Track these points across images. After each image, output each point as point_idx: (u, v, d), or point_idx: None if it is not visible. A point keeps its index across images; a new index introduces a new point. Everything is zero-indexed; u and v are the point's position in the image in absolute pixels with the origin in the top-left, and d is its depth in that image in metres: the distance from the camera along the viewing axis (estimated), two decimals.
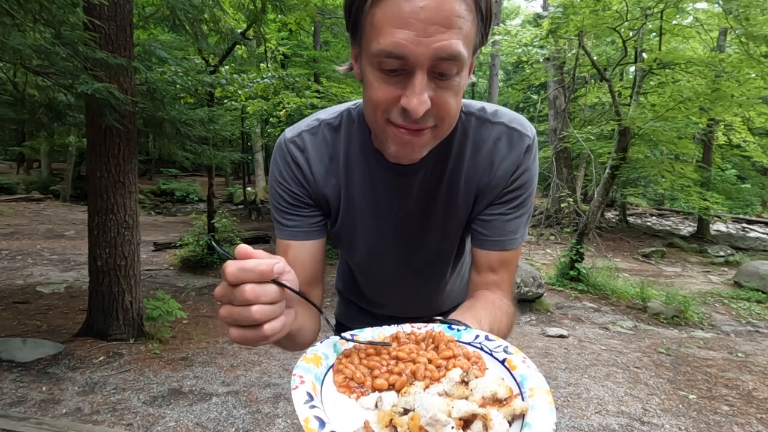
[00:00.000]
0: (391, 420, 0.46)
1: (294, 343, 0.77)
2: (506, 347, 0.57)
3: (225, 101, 7.64)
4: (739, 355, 4.45)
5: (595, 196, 7.04)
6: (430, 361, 0.55)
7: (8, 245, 7.70)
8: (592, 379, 3.61)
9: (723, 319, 5.91)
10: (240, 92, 6.59)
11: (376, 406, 0.50)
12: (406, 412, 0.47)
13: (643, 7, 6.48)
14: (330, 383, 0.54)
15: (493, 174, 0.83)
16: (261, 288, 0.51)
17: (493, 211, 0.86)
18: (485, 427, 0.45)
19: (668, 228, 14.31)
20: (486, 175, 0.84)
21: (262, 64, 8.53)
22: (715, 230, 13.29)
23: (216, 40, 6.26)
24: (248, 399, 3.01)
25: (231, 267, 0.51)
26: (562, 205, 10.77)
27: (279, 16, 7.49)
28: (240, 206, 15.08)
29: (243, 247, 0.53)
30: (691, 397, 3.39)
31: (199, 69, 6.08)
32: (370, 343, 0.60)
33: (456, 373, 0.52)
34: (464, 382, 0.51)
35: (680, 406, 3.23)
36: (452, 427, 0.44)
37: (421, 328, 0.65)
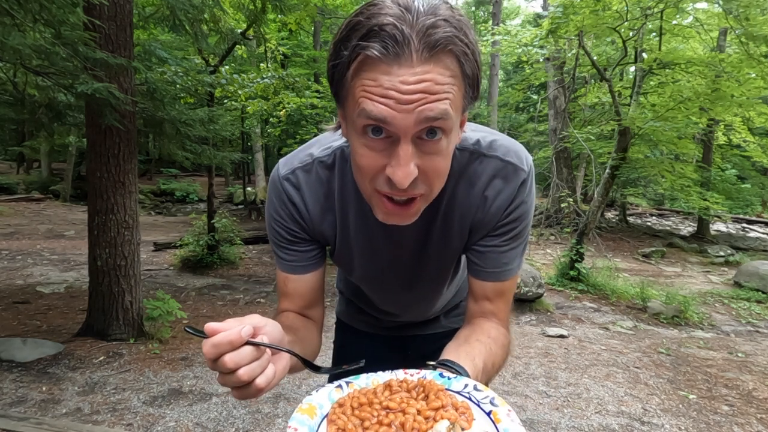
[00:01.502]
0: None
1: (299, 369, 0.79)
2: (492, 399, 0.58)
3: (225, 101, 7.64)
4: (739, 355, 4.45)
5: (595, 196, 7.04)
6: (419, 412, 0.56)
7: (8, 245, 7.70)
8: (592, 379, 3.61)
9: (723, 319, 5.91)
10: (240, 92, 6.59)
11: None
12: None
13: (643, 7, 6.48)
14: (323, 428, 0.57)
15: (488, 209, 0.82)
16: (238, 354, 0.56)
17: (488, 243, 0.85)
18: None
19: (668, 228, 14.31)
20: (480, 211, 0.83)
21: (262, 64, 8.53)
22: (715, 230, 13.29)
23: (216, 40, 6.26)
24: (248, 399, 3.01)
25: (206, 346, 0.56)
26: (562, 205, 10.77)
27: (279, 16, 7.49)
28: (240, 206, 15.08)
29: (210, 326, 0.57)
30: (691, 397, 3.39)
31: (199, 69, 6.08)
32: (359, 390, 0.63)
33: (443, 426, 0.53)
34: None
35: (680, 406, 3.23)
36: None
37: (413, 375, 0.66)
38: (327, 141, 0.87)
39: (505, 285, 0.88)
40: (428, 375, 0.65)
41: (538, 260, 8.48)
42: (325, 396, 0.62)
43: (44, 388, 2.96)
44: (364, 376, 0.67)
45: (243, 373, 0.56)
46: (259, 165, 16.92)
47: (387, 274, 0.96)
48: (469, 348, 0.77)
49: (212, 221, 6.90)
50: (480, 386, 0.61)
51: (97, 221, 3.66)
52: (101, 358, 3.44)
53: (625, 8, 6.35)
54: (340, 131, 0.74)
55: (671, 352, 4.40)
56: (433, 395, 0.58)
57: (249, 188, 15.97)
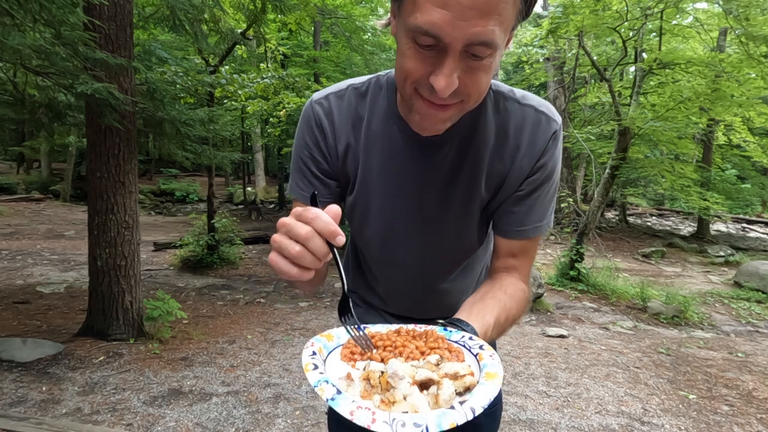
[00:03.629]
0: (368, 375, 0.60)
1: (306, 283, 0.84)
2: (482, 345, 0.68)
3: (225, 101, 7.65)
4: (739, 355, 4.45)
5: (595, 196, 7.04)
6: (417, 348, 0.67)
7: (8, 245, 7.71)
8: (592, 379, 3.61)
9: (723, 319, 5.91)
10: (240, 92, 6.59)
11: (365, 369, 0.62)
12: (383, 374, 0.60)
13: (643, 7, 6.48)
14: (336, 355, 0.67)
15: (519, 156, 0.82)
16: (317, 239, 0.59)
17: (518, 197, 0.85)
18: (438, 390, 0.57)
19: (668, 228, 14.31)
20: (511, 158, 0.83)
21: (262, 64, 8.54)
22: (715, 230, 13.29)
23: (216, 40, 6.26)
24: (248, 399, 3.01)
25: (313, 210, 0.59)
26: (562, 205, 10.76)
27: (279, 16, 7.48)
28: (240, 206, 15.08)
29: (334, 208, 0.60)
30: (691, 397, 3.39)
31: (199, 69, 6.08)
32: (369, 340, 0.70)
33: (434, 357, 0.63)
34: (437, 364, 0.62)
35: (680, 406, 3.23)
36: (408, 382, 0.57)
37: (421, 328, 0.74)
38: (366, 76, 0.89)
39: (532, 242, 0.88)
40: (433, 328, 0.74)
41: (538, 260, 8.48)
42: (343, 331, 0.71)
43: (44, 388, 2.96)
44: (379, 324, 0.76)
45: (299, 251, 0.59)
46: (259, 165, 16.94)
47: (403, 225, 0.90)
48: (482, 305, 0.79)
49: (212, 221, 6.90)
50: (474, 338, 0.70)
51: (97, 221, 3.66)
52: (101, 358, 3.44)
53: (625, 8, 6.35)
54: (389, 27, 0.75)
55: (671, 352, 4.40)
56: (432, 340, 0.69)
57: (249, 188, 15.99)
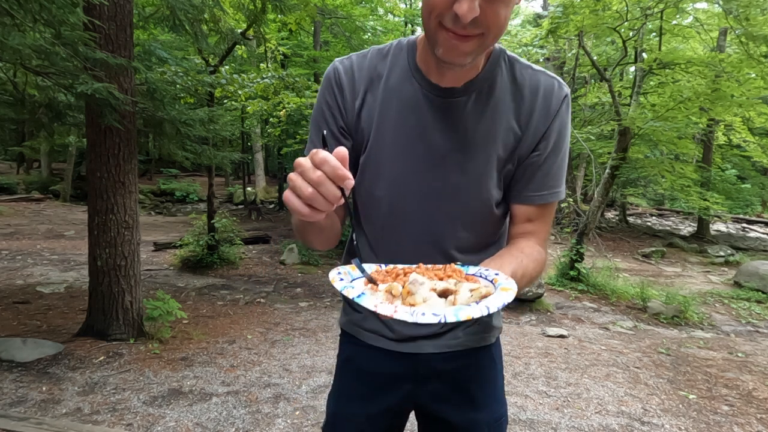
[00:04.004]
0: (390, 288, 0.63)
1: (318, 232, 0.86)
2: (497, 273, 0.71)
3: (225, 101, 7.65)
4: (739, 355, 4.45)
5: (595, 196, 7.04)
6: (436, 275, 0.70)
7: (8, 245, 7.71)
8: (592, 379, 3.61)
9: (723, 319, 5.91)
10: (240, 92, 6.59)
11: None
12: (404, 286, 0.64)
13: (643, 7, 6.48)
14: (360, 282, 0.69)
15: (535, 118, 0.87)
16: (327, 182, 0.61)
17: (535, 162, 0.88)
18: (455, 297, 0.61)
19: (668, 228, 14.31)
20: (527, 118, 0.87)
21: (262, 64, 8.54)
22: (715, 230, 13.29)
23: (216, 40, 6.26)
24: (248, 399, 3.01)
25: (322, 153, 0.60)
26: (562, 205, 10.77)
27: (279, 16, 7.48)
28: (240, 206, 15.08)
29: (342, 151, 0.61)
30: (691, 397, 3.39)
31: (199, 69, 6.08)
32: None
33: (451, 282, 0.67)
34: (455, 285, 0.66)
35: (680, 406, 3.23)
36: (428, 288, 0.61)
37: (439, 265, 0.78)
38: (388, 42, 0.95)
39: (548, 208, 0.92)
40: (451, 264, 0.77)
41: None
42: (366, 266, 0.75)
43: (44, 388, 2.96)
44: (399, 265, 0.78)
45: (312, 193, 0.61)
46: (259, 165, 16.94)
47: (421, 171, 0.89)
48: (499, 261, 0.81)
49: (212, 221, 6.90)
50: (490, 270, 0.73)
51: (97, 221, 3.66)
52: (101, 358, 3.44)
53: (625, 8, 6.35)
54: None
55: (671, 352, 4.40)
56: (450, 270, 0.72)
57: (249, 188, 15.99)
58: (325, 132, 0.65)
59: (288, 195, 0.63)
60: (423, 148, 0.87)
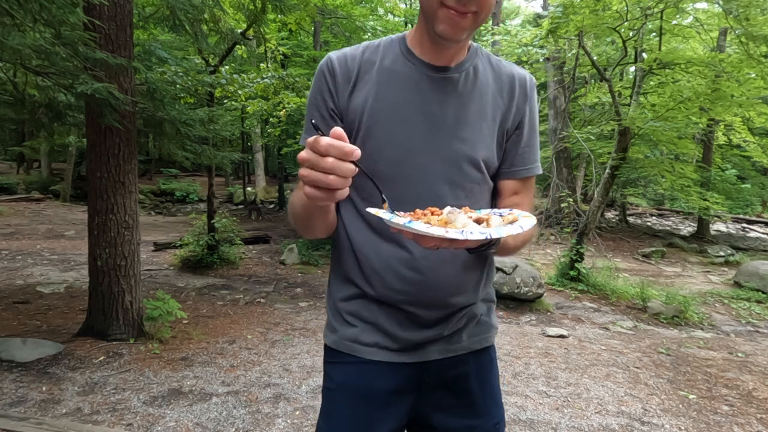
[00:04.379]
0: (428, 219, 0.69)
1: (326, 214, 0.91)
2: (511, 209, 0.79)
3: (225, 101, 7.65)
4: (739, 355, 4.45)
5: (595, 196, 7.04)
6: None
7: (8, 245, 7.71)
8: (592, 379, 3.61)
9: (723, 319, 5.92)
10: (240, 92, 6.59)
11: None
12: (441, 218, 0.71)
13: (643, 7, 6.48)
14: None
15: (515, 96, 0.99)
16: (340, 163, 0.64)
17: (521, 138, 1.00)
18: (488, 223, 0.70)
19: (668, 228, 14.31)
20: (508, 97, 0.99)
21: (262, 64, 8.53)
22: (715, 230, 13.29)
23: (216, 40, 6.26)
24: (248, 399, 3.01)
25: (324, 140, 0.63)
26: (562, 205, 10.76)
27: (279, 16, 7.48)
28: (240, 206, 15.08)
29: (338, 129, 0.64)
30: (691, 397, 3.39)
31: (199, 69, 6.08)
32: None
33: (484, 211, 0.77)
34: (485, 215, 0.75)
35: (680, 406, 3.23)
36: (465, 216, 0.69)
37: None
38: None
39: (531, 180, 1.04)
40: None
41: (538, 260, 8.48)
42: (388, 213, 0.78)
43: (44, 388, 2.96)
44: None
45: (334, 179, 0.64)
46: (259, 165, 16.94)
47: (422, 140, 0.93)
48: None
49: (212, 221, 6.90)
50: (503, 210, 0.80)
51: (97, 221, 3.66)
52: (101, 358, 3.44)
53: (625, 8, 6.35)
54: None
55: (671, 352, 4.40)
56: (467, 212, 0.78)
57: (249, 188, 15.99)
58: (312, 121, 0.67)
59: (310, 192, 0.66)
60: (423, 119, 0.93)
